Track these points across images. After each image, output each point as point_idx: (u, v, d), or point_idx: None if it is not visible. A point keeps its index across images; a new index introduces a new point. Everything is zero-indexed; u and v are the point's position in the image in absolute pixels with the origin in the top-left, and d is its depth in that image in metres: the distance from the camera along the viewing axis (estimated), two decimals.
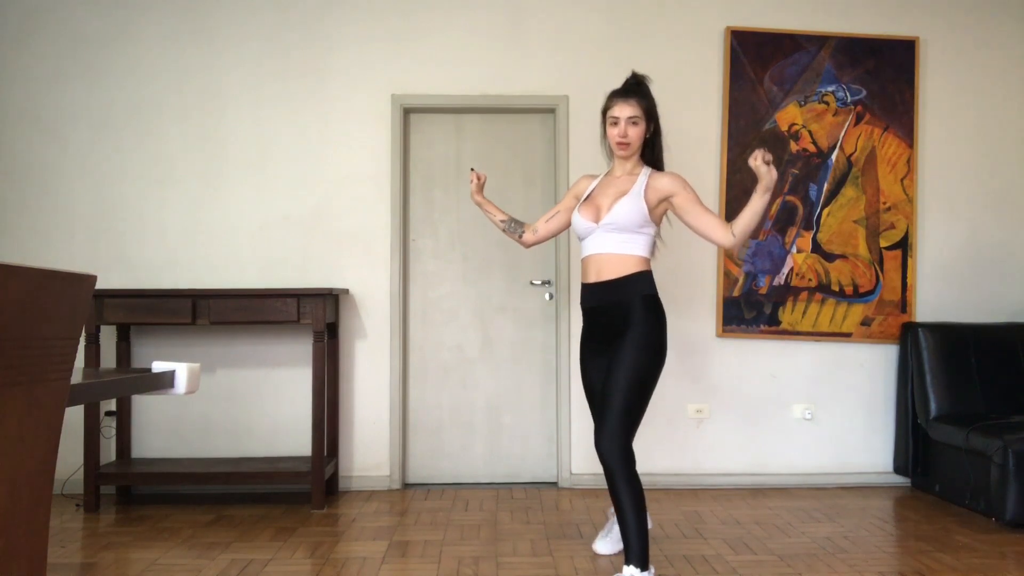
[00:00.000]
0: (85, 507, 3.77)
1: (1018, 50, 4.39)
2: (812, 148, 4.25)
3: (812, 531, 3.40)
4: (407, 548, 3.18)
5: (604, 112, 2.89)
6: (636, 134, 2.81)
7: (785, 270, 4.23)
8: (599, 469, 4.20)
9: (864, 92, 4.26)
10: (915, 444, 4.08)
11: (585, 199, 2.93)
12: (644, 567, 2.58)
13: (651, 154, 2.91)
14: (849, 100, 4.26)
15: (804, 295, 4.23)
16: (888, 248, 4.26)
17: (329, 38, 4.22)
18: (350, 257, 4.20)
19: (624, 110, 2.80)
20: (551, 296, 4.28)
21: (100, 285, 4.06)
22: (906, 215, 4.27)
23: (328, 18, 4.22)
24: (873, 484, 4.24)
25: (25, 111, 4.15)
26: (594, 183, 2.97)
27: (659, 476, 4.21)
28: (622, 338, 2.71)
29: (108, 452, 4.09)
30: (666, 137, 4.31)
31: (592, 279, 2.82)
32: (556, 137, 4.25)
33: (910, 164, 4.27)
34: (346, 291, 4.16)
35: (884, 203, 4.26)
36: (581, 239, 2.89)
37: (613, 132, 2.83)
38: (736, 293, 4.22)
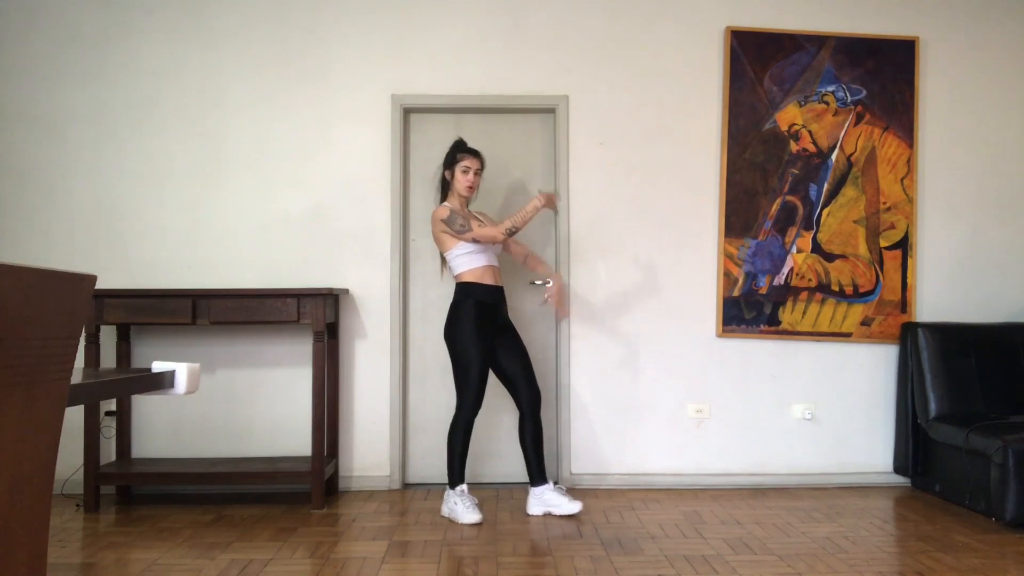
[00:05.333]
0: (85, 507, 3.77)
1: (1018, 50, 4.39)
2: (812, 148, 4.25)
3: (812, 531, 3.40)
4: (407, 548, 3.18)
5: (451, 164, 3.69)
6: (479, 182, 3.75)
7: (785, 270, 4.23)
8: (599, 469, 4.21)
9: (864, 92, 4.26)
10: (915, 444, 4.08)
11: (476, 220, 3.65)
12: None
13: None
14: (849, 100, 4.26)
15: (804, 295, 4.23)
16: (888, 248, 4.26)
17: (329, 38, 4.22)
18: (350, 257, 4.20)
19: (475, 163, 3.69)
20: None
21: (100, 285, 4.06)
22: (906, 215, 4.27)
23: (328, 18, 4.22)
24: (873, 484, 4.24)
25: (25, 111, 4.15)
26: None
27: (659, 476, 4.21)
28: (509, 328, 3.75)
29: (108, 452, 4.09)
30: (666, 137, 4.35)
31: (491, 282, 3.65)
32: (556, 137, 4.25)
33: (910, 164, 4.27)
34: (346, 291, 4.16)
35: (884, 203, 4.26)
36: (481, 251, 3.61)
37: (465, 179, 3.66)
38: (736, 293, 4.22)
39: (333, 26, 4.23)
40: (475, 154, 3.72)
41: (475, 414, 3.64)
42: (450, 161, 3.72)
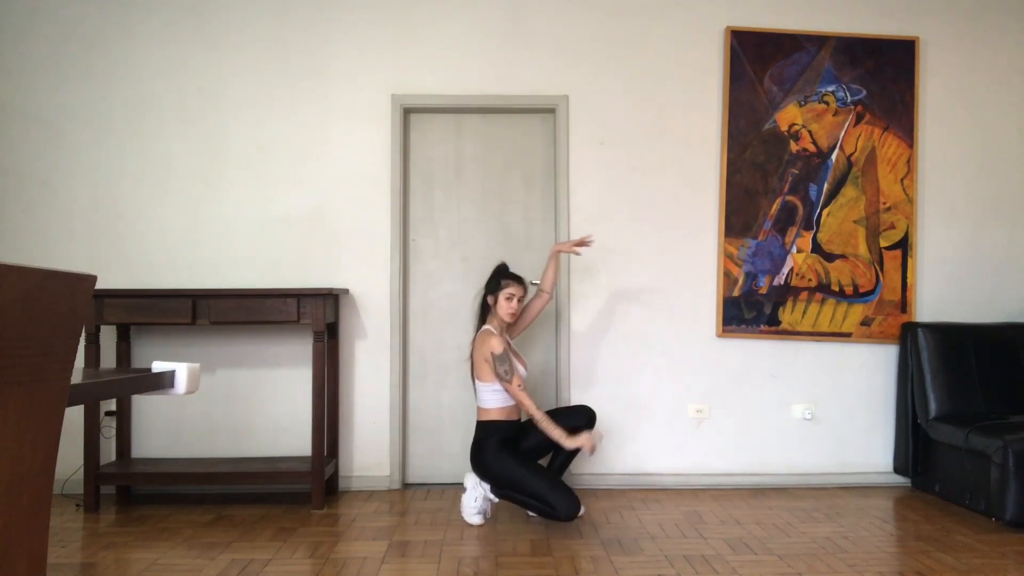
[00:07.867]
0: (85, 507, 3.77)
1: (1018, 50, 4.39)
2: (812, 148, 4.25)
3: (812, 531, 3.40)
4: (407, 548, 3.18)
5: (496, 290, 3.61)
6: (520, 308, 3.69)
7: (785, 270, 4.23)
8: (599, 469, 4.21)
9: (864, 92, 4.26)
10: (915, 444, 4.08)
11: (514, 353, 3.62)
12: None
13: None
14: (849, 100, 4.26)
15: (804, 295, 4.23)
16: (888, 248, 4.26)
17: (329, 38, 4.23)
18: (350, 257, 4.20)
19: (519, 291, 3.61)
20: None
21: (100, 285, 4.06)
22: (906, 215, 4.27)
23: (328, 18, 4.22)
24: (873, 484, 4.24)
25: (25, 111, 4.15)
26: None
27: (659, 476, 4.21)
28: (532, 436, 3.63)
29: (108, 452, 4.09)
30: (666, 137, 4.33)
31: (515, 417, 3.60)
32: (556, 137, 4.25)
33: (910, 164, 4.27)
34: (346, 291, 4.16)
35: (884, 203, 4.26)
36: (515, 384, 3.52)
37: (508, 305, 3.59)
38: (736, 293, 4.22)
39: (333, 26, 4.23)
40: (519, 281, 3.64)
41: (571, 506, 3.36)
42: (494, 287, 3.63)
